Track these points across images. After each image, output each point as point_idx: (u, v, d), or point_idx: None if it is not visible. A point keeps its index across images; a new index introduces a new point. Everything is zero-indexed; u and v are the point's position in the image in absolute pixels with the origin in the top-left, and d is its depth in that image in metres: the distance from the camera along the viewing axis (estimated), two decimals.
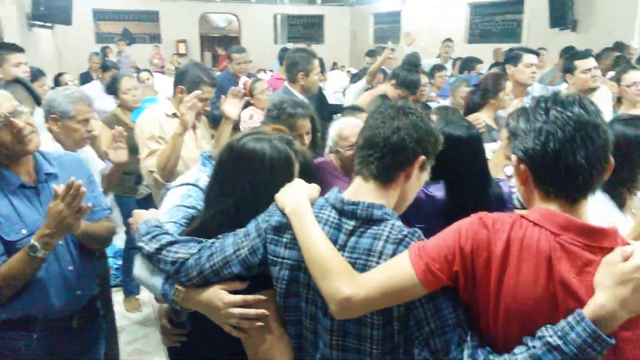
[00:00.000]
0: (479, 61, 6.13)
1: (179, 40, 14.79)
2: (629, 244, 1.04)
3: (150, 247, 1.43)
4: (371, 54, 7.13)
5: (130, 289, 3.95)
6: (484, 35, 11.75)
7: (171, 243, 1.43)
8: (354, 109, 3.41)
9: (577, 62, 3.58)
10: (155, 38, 14.93)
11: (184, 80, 2.78)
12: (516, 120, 1.16)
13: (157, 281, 1.44)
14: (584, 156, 1.05)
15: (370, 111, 1.36)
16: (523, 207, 2.61)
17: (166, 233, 1.48)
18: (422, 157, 1.29)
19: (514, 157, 1.16)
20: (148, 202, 3.64)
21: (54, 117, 2.40)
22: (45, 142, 2.40)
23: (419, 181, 1.35)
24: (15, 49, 3.68)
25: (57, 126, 2.41)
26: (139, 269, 1.49)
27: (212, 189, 1.55)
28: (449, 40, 7.63)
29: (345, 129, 2.48)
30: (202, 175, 1.85)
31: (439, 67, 5.94)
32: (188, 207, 1.72)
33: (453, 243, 1.13)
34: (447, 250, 1.13)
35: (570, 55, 3.86)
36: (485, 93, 3.30)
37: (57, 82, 5.39)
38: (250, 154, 1.48)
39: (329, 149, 2.65)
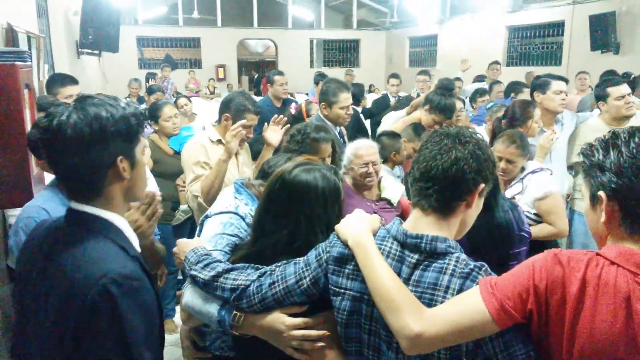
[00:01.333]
0: (526, 85, 6.03)
1: (218, 66, 15.20)
2: None
3: (204, 275, 1.44)
4: (395, 76, 7.15)
5: (166, 312, 3.99)
6: (523, 59, 11.64)
7: (228, 270, 1.44)
8: (393, 135, 3.44)
9: (610, 89, 3.42)
10: (196, 63, 15.38)
11: (230, 108, 2.86)
12: (603, 154, 1.10)
13: (213, 308, 1.46)
14: None
15: (424, 141, 1.33)
16: (537, 222, 2.58)
17: (218, 261, 1.49)
18: (482, 185, 1.25)
19: (602, 195, 1.10)
20: (184, 229, 3.72)
21: None
22: None
23: (477, 207, 1.31)
24: (68, 81, 3.57)
25: None
26: (191, 296, 1.51)
27: (264, 219, 1.56)
28: (496, 63, 7.53)
29: (361, 149, 2.63)
30: (239, 202, 1.88)
31: (481, 92, 5.90)
32: (231, 235, 1.75)
33: (527, 280, 1.10)
34: (521, 288, 1.10)
35: (601, 82, 3.70)
36: (513, 121, 3.22)
37: None
38: (304, 185, 1.50)
39: (343, 168, 2.71)
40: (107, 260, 1.18)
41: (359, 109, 5.45)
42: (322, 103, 3.49)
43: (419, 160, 1.29)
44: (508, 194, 2.72)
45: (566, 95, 3.57)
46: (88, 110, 1.18)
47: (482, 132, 4.09)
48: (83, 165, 1.18)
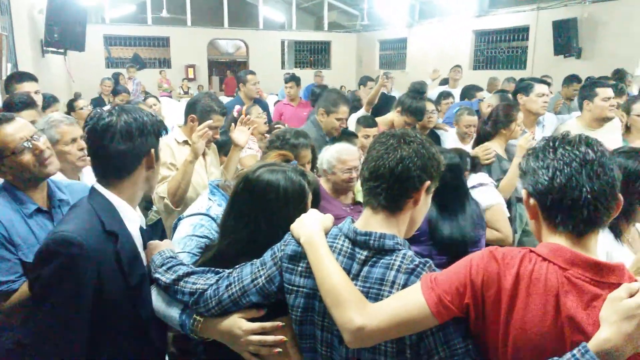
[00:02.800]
0: (479, 89, 6.22)
1: (188, 65, 15.02)
2: (635, 280, 1.06)
3: (166, 278, 1.45)
4: (365, 80, 7.40)
5: None
6: (489, 62, 11.89)
7: (188, 274, 1.45)
8: (349, 135, 3.53)
9: (598, 90, 3.56)
10: (165, 63, 15.16)
11: (196, 109, 2.86)
12: (526, 160, 1.21)
13: (174, 312, 1.46)
14: (589, 190, 1.09)
15: (372, 142, 1.39)
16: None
17: (182, 264, 1.50)
18: (427, 182, 1.30)
19: (524, 193, 1.20)
20: (157, 229, 3.69)
21: None
22: None
23: (426, 204, 1.37)
24: (25, 78, 3.49)
25: None
26: (155, 299, 1.51)
27: (228, 219, 1.58)
28: (457, 66, 7.76)
29: (344, 153, 2.63)
30: (212, 204, 1.89)
31: (445, 95, 6.03)
32: (200, 237, 1.75)
33: (464, 276, 1.16)
34: (459, 283, 1.16)
35: (591, 83, 3.85)
36: (496, 123, 3.31)
37: (72, 106, 5.43)
38: (266, 185, 1.51)
39: (321, 172, 2.73)
40: (67, 223, 1.38)
41: None
42: (322, 109, 3.59)
43: (367, 160, 1.35)
44: None
45: (548, 97, 3.71)
46: (132, 113, 1.49)
47: (453, 134, 4.20)
48: (128, 151, 1.46)
